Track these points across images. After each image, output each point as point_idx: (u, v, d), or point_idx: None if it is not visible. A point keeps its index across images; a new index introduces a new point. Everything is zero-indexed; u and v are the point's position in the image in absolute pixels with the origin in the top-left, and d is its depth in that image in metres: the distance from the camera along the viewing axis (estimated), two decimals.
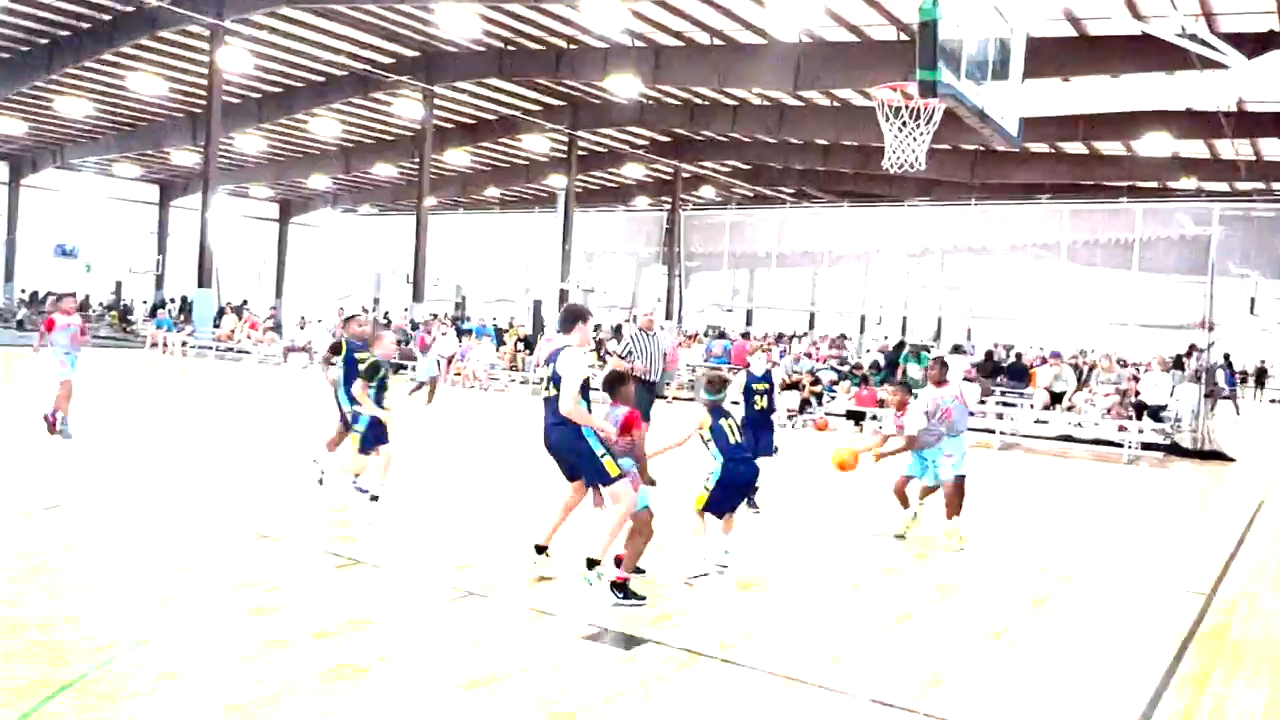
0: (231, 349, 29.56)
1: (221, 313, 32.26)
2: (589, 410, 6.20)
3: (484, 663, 5.00)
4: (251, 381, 22.34)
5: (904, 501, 8.67)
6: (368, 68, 29.13)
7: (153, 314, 34.60)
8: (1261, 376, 38.91)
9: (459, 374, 23.86)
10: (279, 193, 51.20)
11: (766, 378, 9.86)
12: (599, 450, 6.02)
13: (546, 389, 6.28)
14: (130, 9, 25.46)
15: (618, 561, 6.24)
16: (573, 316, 6.56)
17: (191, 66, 29.23)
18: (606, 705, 4.61)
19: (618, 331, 30.74)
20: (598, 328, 33.91)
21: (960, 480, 8.42)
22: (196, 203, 30.64)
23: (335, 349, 9.26)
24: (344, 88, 31.06)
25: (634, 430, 6.45)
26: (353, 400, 8.40)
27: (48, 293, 13.76)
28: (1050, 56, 18.62)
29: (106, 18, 26.27)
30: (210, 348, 29.57)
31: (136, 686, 4.46)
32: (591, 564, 6.03)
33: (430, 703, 4.50)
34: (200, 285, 28.89)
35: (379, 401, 8.24)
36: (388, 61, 29.26)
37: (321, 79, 31.31)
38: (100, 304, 40.26)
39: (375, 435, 8.16)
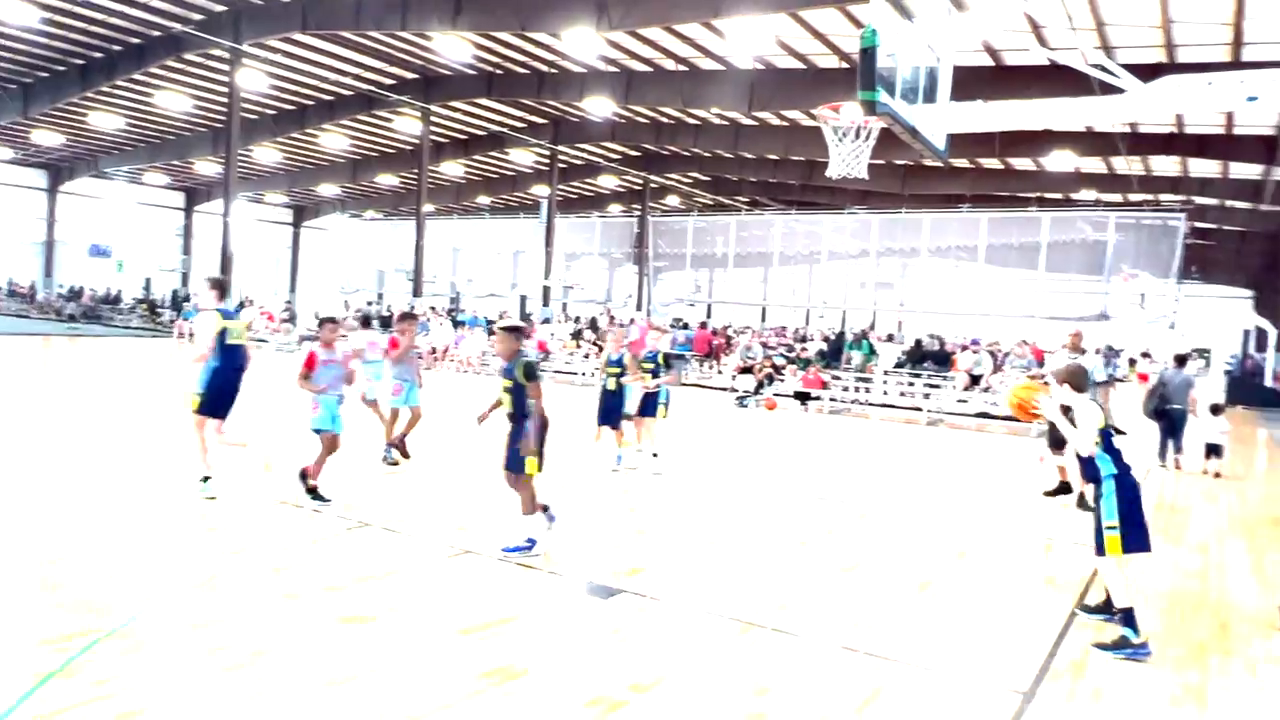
0: (250, 338, 29.12)
1: (241, 306, 31.77)
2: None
3: (478, 611, 4.99)
4: (269, 366, 22.01)
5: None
6: (371, 88, 28.75)
7: (177, 307, 33.95)
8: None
9: (454, 360, 23.74)
10: (293, 199, 50.53)
11: (652, 357, 9.76)
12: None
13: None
14: (157, 34, 24.94)
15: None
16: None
17: (213, 86, 28.71)
18: (584, 647, 4.61)
19: (593, 324, 30.64)
20: (576, 319, 33.85)
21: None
22: (218, 208, 30.11)
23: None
24: (350, 106, 30.68)
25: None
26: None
27: (402, 312, 11.05)
28: (972, 82, 18.65)
29: (136, 41, 25.72)
30: None
31: (170, 635, 4.40)
32: None
33: (431, 646, 4.48)
34: None
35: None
36: (389, 83, 28.90)
37: (330, 98, 30.89)
38: (133, 299, 39.54)
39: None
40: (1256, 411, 23.45)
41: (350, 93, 29.73)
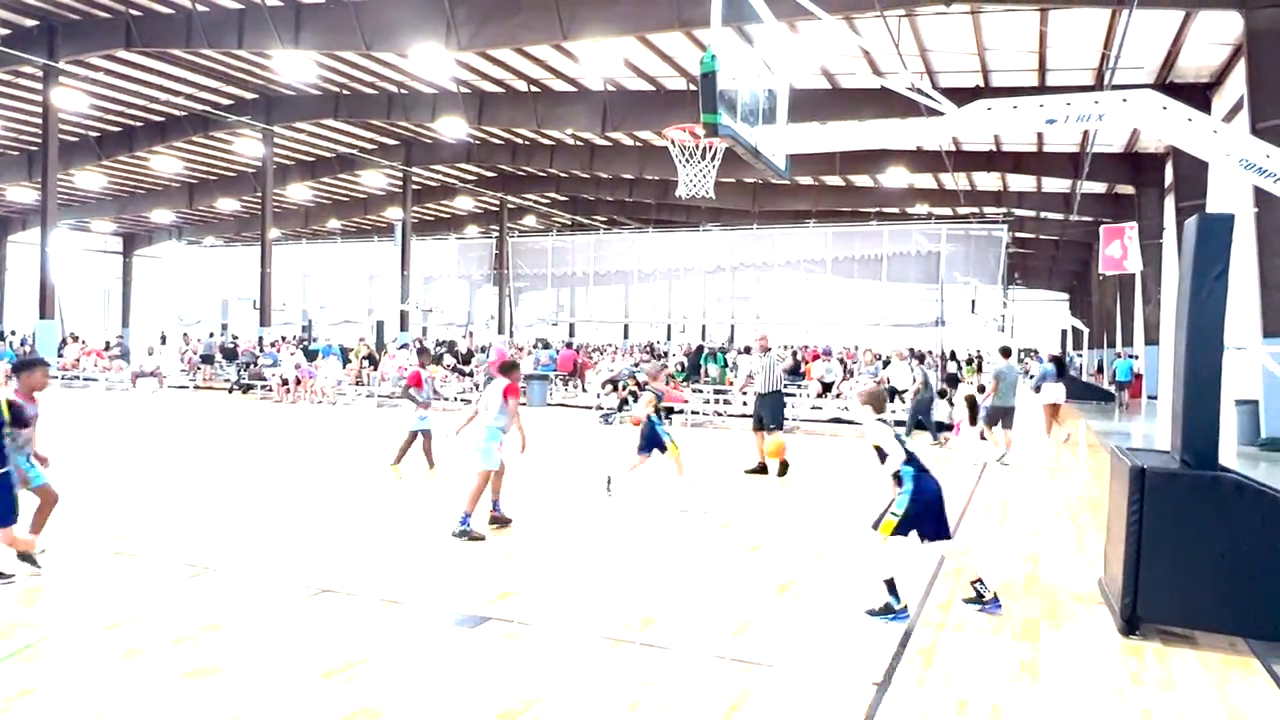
0: (77, 377, 26.96)
1: (64, 343, 29.37)
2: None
3: (339, 652, 4.79)
4: (100, 406, 20.44)
5: None
6: (207, 109, 27.35)
7: None
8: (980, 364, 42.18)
9: (310, 391, 22.76)
10: (122, 226, 47.15)
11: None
12: None
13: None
14: None
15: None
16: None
17: (25, 105, 26.55)
18: (452, 679, 4.51)
19: (451, 346, 30.14)
20: (439, 342, 33.14)
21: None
22: (35, 237, 27.75)
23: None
24: (184, 127, 29.02)
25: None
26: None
27: (506, 361, 8.35)
28: (810, 104, 19.70)
29: None
30: (55, 377, 26.85)
31: None
32: None
33: (289, 694, 4.26)
34: (42, 317, 26.21)
35: None
36: (227, 103, 27.57)
37: (161, 119, 29.12)
38: None
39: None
40: (1075, 404, 25.55)
41: (183, 113, 28.15)
